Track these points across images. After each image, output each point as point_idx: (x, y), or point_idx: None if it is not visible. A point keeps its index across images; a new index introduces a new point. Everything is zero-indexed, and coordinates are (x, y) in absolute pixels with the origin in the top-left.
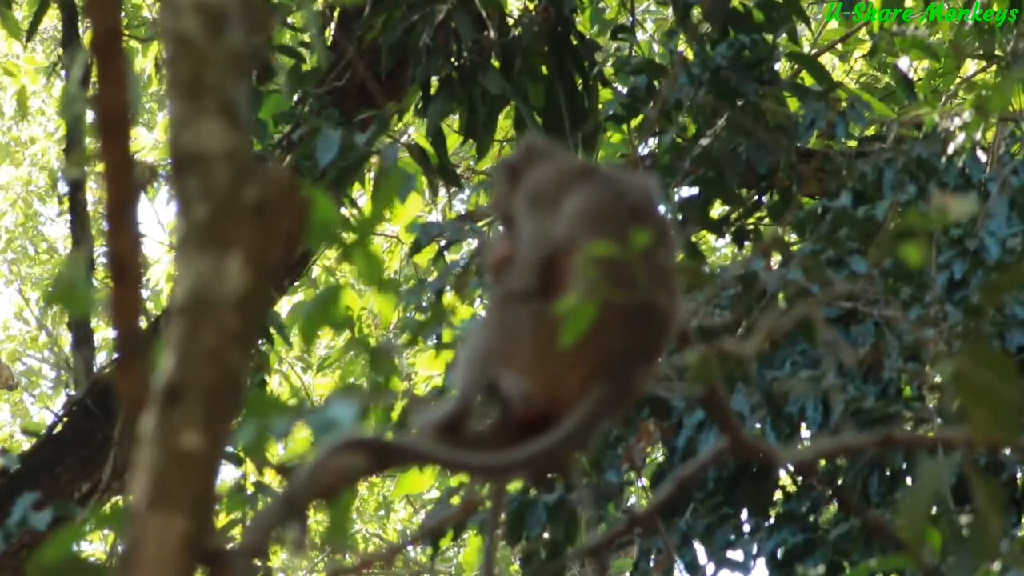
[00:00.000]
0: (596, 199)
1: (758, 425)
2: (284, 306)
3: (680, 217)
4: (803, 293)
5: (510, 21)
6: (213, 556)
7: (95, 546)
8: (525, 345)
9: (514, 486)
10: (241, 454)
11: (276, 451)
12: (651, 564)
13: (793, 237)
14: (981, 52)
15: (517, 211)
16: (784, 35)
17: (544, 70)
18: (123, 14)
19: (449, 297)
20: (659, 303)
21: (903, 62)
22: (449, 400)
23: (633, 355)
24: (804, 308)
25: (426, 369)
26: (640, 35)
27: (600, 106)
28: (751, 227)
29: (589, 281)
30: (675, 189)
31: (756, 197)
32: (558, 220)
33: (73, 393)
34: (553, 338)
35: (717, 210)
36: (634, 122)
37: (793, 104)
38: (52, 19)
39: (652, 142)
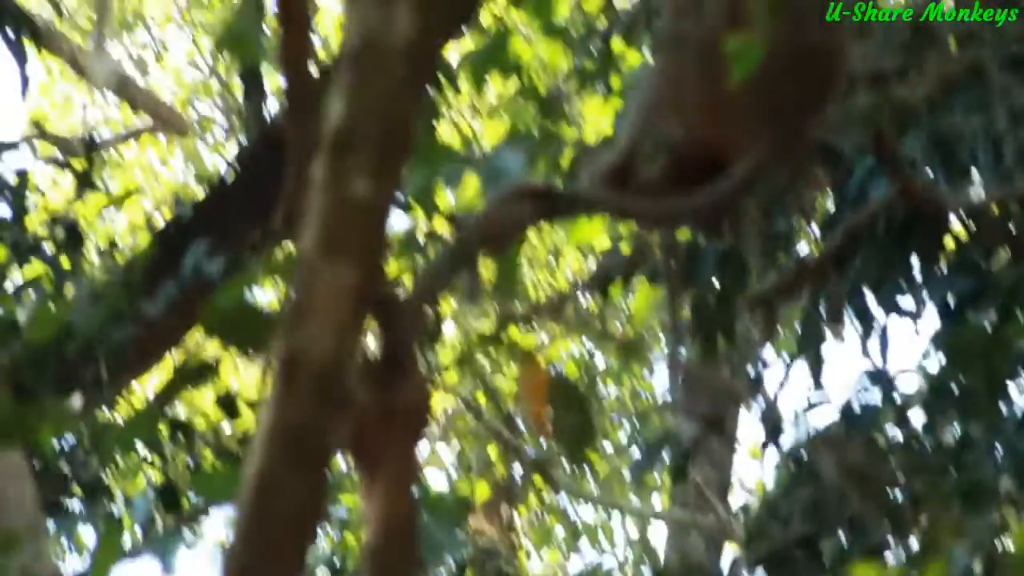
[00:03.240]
0: None
1: (928, 171)
2: (453, 54)
3: None
4: (974, 36)
5: None
6: (383, 303)
7: (267, 295)
8: (694, 89)
9: (683, 234)
10: (411, 202)
11: (446, 199)
12: (820, 312)
13: None
14: None
15: None
16: None
17: None
18: None
19: (618, 43)
20: (829, 45)
21: None
22: (617, 147)
23: (802, 99)
24: (974, 53)
25: (595, 117)
26: None
27: None
28: None
29: (758, 15)
30: None
31: None
32: None
33: (245, 141)
34: (722, 81)
35: None
36: None
37: None
38: None
39: None
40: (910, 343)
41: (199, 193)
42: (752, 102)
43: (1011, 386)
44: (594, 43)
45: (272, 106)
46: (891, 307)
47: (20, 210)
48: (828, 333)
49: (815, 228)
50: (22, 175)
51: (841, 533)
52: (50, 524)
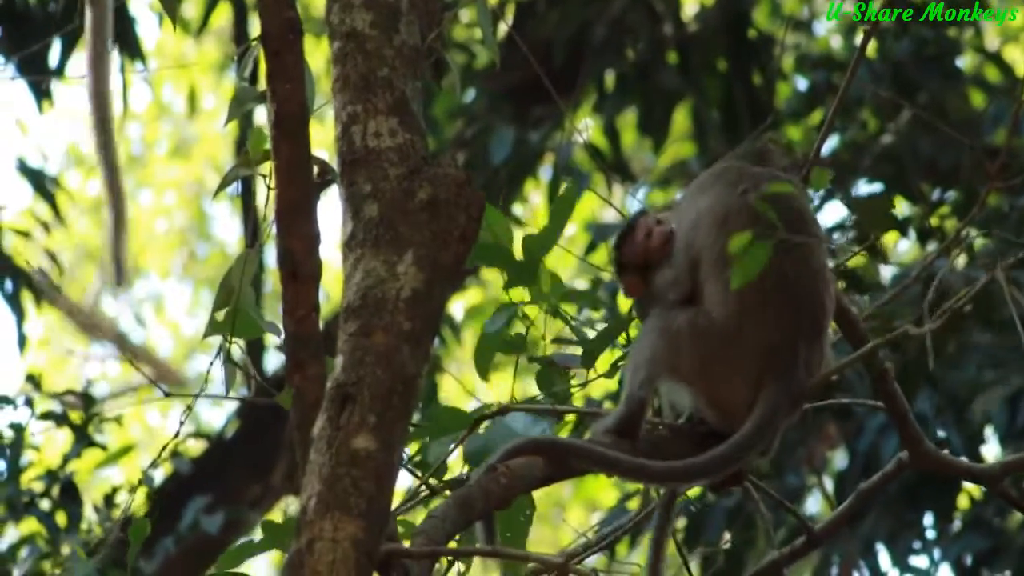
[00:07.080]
0: (721, 200)
1: (941, 432)
2: (458, 303)
3: (859, 216)
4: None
5: (687, 15)
6: (389, 560)
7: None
8: (689, 357)
9: (693, 491)
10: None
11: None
12: (832, 571)
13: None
14: None
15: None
16: (968, 29)
17: (721, 65)
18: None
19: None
20: (809, 293)
21: None
22: (621, 405)
23: (794, 348)
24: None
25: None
26: (820, 29)
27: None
28: (935, 226)
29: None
30: (854, 186)
31: (939, 194)
32: (688, 218)
33: (245, 396)
34: (715, 347)
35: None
36: (814, 118)
37: (977, 99)
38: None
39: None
40: None
41: (198, 449)
42: (747, 358)
43: None
44: (602, 296)
45: (274, 359)
46: (905, 566)
47: (16, 466)
48: None
49: (827, 481)
50: (18, 430)
51: None
52: None
